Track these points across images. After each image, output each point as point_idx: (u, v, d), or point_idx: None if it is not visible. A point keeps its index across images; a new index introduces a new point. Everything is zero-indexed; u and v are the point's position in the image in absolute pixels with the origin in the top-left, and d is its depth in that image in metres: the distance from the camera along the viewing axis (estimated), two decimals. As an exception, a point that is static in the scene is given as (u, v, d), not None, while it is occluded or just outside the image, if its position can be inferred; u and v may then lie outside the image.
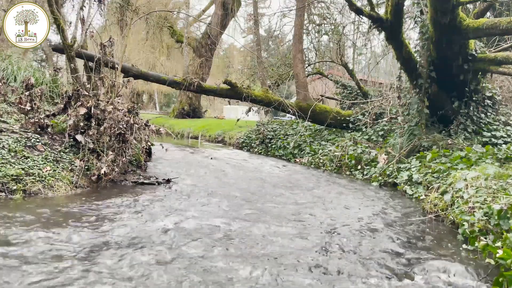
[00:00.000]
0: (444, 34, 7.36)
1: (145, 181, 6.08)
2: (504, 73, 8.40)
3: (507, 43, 10.14)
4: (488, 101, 8.34)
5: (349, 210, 5.13)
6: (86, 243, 3.31)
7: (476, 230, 3.71)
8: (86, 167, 5.64)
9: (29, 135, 5.64)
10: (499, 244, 3.19)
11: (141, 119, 6.77)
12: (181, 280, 2.74)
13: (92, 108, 5.93)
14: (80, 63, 8.34)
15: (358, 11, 7.82)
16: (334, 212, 4.98)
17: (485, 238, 3.48)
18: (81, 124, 5.93)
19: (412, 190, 6.37)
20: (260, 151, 12.56)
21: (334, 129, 11.65)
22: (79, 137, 5.78)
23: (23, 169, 4.90)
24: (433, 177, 6.11)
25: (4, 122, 5.80)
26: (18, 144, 5.31)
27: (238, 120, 14.28)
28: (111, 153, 5.81)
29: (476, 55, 7.82)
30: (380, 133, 10.06)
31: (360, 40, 16.53)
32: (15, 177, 4.74)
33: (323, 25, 16.94)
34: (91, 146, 5.80)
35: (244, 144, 13.63)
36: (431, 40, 7.68)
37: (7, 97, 6.58)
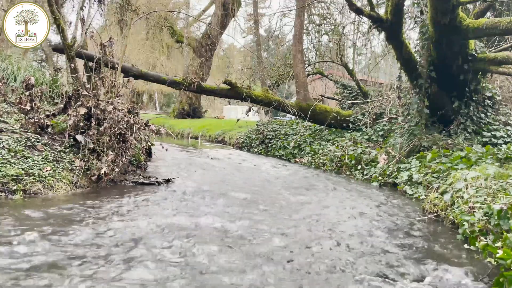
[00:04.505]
0: (444, 34, 7.36)
1: (145, 181, 6.08)
2: (504, 73, 8.39)
3: (507, 43, 10.13)
4: (488, 101, 8.34)
5: (348, 210, 5.13)
6: (85, 243, 3.31)
7: (476, 230, 3.71)
8: (86, 167, 5.63)
9: (29, 135, 5.64)
10: (499, 244, 3.19)
11: (141, 119, 6.77)
12: (179, 279, 2.75)
13: (92, 108, 5.93)
14: (80, 63, 8.35)
15: (358, 11, 7.82)
16: (332, 211, 4.98)
17: (485, 238, 3.48)
18: (81, 124, 5.93)
19: (412, 190, 6.37)
20: (260, 151, 12.56)
21: (334, 129, 11.64)
22: (79, 137, 5.78)
23: (23, 169, 4.90)
24: (433, 177, 6.11)
25: (4, 122, 5.80)
26: (18, 144, 5.31)
27: (238, 120, 14.27)
28: (111, 153, 5.81)
29: (476, 55, 7.82)
30: (380, 133, 10.06)
31: (360, 40, 16.54)
32: (15, 177, 4.75)
33: (323, 25, 16.96)
34: (91, 146, 5.80)
35: (244, 144, 13.63)
36: (431, 40, 7.68)
37: (7, 97, 6.58)
